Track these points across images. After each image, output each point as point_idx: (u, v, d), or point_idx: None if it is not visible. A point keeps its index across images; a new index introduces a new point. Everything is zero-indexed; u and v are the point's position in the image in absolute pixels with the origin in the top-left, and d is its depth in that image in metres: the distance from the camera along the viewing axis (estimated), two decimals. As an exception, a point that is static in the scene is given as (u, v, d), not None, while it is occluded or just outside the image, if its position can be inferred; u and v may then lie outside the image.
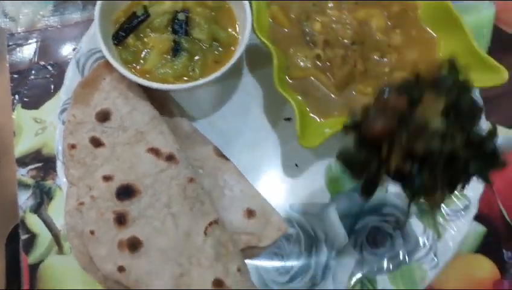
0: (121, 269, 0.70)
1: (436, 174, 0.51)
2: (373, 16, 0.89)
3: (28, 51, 0.97)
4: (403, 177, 0.52)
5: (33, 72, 0.95)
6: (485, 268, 0.85)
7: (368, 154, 0.54)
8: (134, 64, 0.83)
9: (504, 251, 0.86)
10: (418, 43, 0.88)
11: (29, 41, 0.97)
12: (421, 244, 0.83)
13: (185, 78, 0.83)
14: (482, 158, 0.53)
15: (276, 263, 0.81)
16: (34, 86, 0.94)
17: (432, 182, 0.51)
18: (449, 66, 0.56)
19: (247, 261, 0.80)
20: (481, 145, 0.53)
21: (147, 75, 0.82)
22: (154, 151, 0.77)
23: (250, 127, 0.91)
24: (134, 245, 0.70)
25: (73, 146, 0.77)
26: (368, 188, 0.56)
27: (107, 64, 0.81)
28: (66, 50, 0.97)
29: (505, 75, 0.78)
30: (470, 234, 0.86)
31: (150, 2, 0.86)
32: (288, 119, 0.91)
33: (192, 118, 0.90)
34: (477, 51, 0.81)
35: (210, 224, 0.74)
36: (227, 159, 0.86)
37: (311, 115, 0.83)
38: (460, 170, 0.52)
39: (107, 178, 0.75)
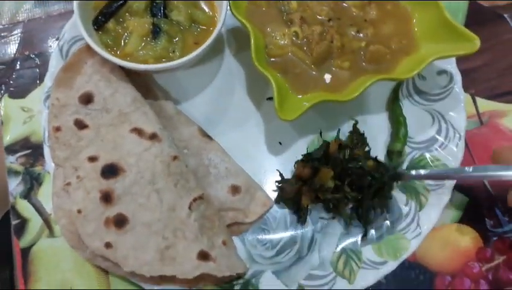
0: (108, 245, 0.72)
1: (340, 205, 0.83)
2: (348, -8, 0.91)
3: (12, 43, 0.98)
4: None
5: (18, 62, 0.96)
6: (468, 237, 0.87)
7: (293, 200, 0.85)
8: (115, 48, 0.85)
9: (486, 219, 0.88)
10: (393, 17, 0.90)
11: (14, 33, 0.99)
12: (404, 215, 0.84)
13: (166, 60, 0.84)
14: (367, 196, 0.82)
15: (263, 238, 0.83)
16: (20, 76, 0.95)
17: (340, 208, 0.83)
18: (341, 147, 0.83)
19: (234, 237, 0.82)
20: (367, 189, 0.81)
21: (128, 58, 0.84)
22: (138, 131, 0.79)
23: (234, 107, 0.92)
24: (120, 222, 0.72)
25: (58, 129, 0.79)
26: (299, 218, 0.84)
27: (88, 49, 0.83)
28: (51, 40, 0.99)
29: (476, 42, 0.79)
30: (452, 204, 0.87)
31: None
32: (271, 98, 0.92)
33: (176, 100, 0.92)
34: (449, 21, 0.83)
35: (195, 199, 0.75)
36: (211, 138, 0.87)
37: (292, 92, 0.85)
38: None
39: (92, 158, 0.77)
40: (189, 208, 0.74)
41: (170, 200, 0.74)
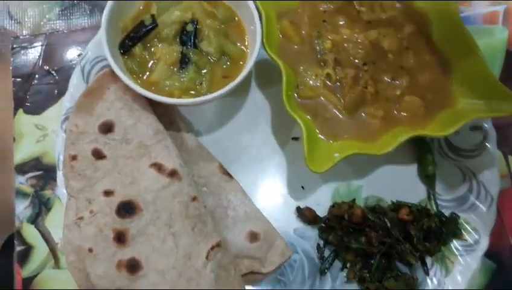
0: (118, 290, 0.68)
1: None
2: (385, 36, 0.87)
3: (32, 55, 0.94)
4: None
5: (36, 76, 0.92)
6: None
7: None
8: (140, 75, 0.81)
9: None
10: (430, 66, 0.86)
11: (34, 44, 0.95)
12: (429, 279, 0.80)
13: (192, 92, 0.80)
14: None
15: (279, 290, 0.79)
16: (37, 92, 0.91)
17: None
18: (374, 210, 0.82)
19: (248, 287, 0.78)
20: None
21: (153, 87, 0.80)
22: (157, 167, 0.75)
23: (257, 145, 0.89)
24: (133, 267, 0.68)
25: (74, 157, 0.75)
26: (321, 269, 0.82)
27: (112, 74, 0.79)
28: (71, 56, 0.95)
29: (521, 104, 0.75)
30: (479, 270, 0.83)
31: (158, 11, 0.84)
32: (296, 138, 0.88)
33: (198, 132, 0.88)
34: (493, 80, 0.78)
35: (212, 248, 0.71)
36: (231, 177, 0.83)
37: (320, 136, 0.81)
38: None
39: (107, 192, 0.73)
40: (206, 257, 0.70)
41: (186, 246, 0.70)
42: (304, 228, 0.84)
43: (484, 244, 0.81)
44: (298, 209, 0.84)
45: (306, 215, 0.83)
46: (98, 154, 0.76)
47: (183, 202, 0.73)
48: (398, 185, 0.87)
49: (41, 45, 0.95)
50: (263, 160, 0.87)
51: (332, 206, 0.83)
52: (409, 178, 0.88)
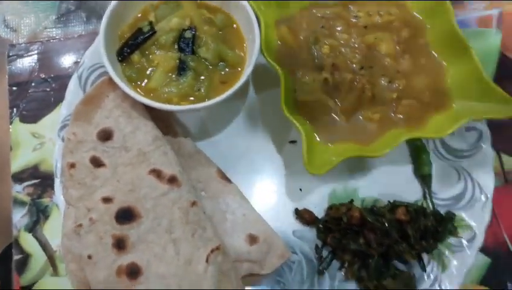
0: (119, 296, 0.67)
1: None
2: (382, 40, 0.88)
3: (28, 63, 0.94)
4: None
5: (33, 84, 0.92)
6: (489, 300, 0.84)
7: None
8: (138, 82, 0.81)
9: (508, 283, 0.85)
10: (426, 70, 0.87)
11: (30, 52, 0.95)
12: (426, 275, 0.81)
13: (191, 98, 0.81)
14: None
15: (278, 291, 0.79)
16: (33, 100, 0.91)
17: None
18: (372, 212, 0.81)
19: (248, 287, 0.78)
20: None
21: (151, 94, 0.80)
22: (156, 173, 0.75)
23: (255, 149, 0.89)
24: (133, 272, 0.68)
25: (72, 165, 0.75)
26: (319, 269, 0.82)
27: (111, 81, 0.79)
28: (68, 63, 0.95)
29: (515, 107, 0.77)
30: (474, 265, 0.84)
31: (156, 18, 0.84)
32: (294, 142, 0.89)
33: (195, 137, 0.88)
34: (487, 82, 0.80)
35: (212, 251, 0.71)
36: (230, 181, 0.84)
37: (318, 139, 0.82)
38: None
39: (106, 200, 0.73)
40: (207, 260, 0.70)
41: (187, 252, 0.70)
42: (303, 229, 0.84)
43: (479, 240, 0.82)
44: (296, 211, 0.84)
45: (304, 217, 0.83)
46: (96, 162, 0.76)
47: (183, 208, 0.73)
48: (394, 185, 0.87)
49: (38, 53, 0.95)
50: (261, 163, 0.88)
51: (330, 208, 0.84)
52: (404, 178, 0.88)
